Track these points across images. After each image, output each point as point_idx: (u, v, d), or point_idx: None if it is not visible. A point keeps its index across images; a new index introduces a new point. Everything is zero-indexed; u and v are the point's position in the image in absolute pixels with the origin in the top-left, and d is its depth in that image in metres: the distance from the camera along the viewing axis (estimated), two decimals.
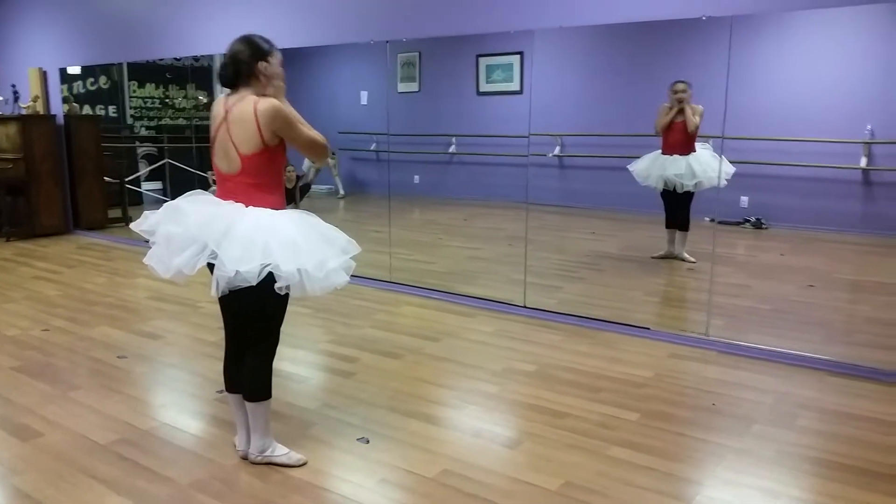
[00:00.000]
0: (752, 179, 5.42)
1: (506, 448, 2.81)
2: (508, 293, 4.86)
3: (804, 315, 4.52)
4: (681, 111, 5.12)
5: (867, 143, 5.05)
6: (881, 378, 3.48)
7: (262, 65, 2.50)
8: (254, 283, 2.35)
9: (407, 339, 4.15)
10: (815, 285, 5.04)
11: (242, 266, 2.32)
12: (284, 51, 2.68)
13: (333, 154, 7.79)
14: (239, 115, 2.44)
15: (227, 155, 2.48)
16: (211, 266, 2.42)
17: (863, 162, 5.09)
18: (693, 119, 5.03)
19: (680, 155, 5.15)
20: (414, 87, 7.25)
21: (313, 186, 8.23)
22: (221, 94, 2.59)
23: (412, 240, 6.87)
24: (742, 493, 2.47)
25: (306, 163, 7.88)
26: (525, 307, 4.68)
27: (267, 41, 2.55)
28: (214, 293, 2.43)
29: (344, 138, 7.30)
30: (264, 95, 2.47)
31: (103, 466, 2.67)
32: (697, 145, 5.15)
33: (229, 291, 2.41)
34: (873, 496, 2.44)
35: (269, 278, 2.38)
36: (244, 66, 2.48)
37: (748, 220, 5.74)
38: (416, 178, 7.61)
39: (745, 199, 5.72)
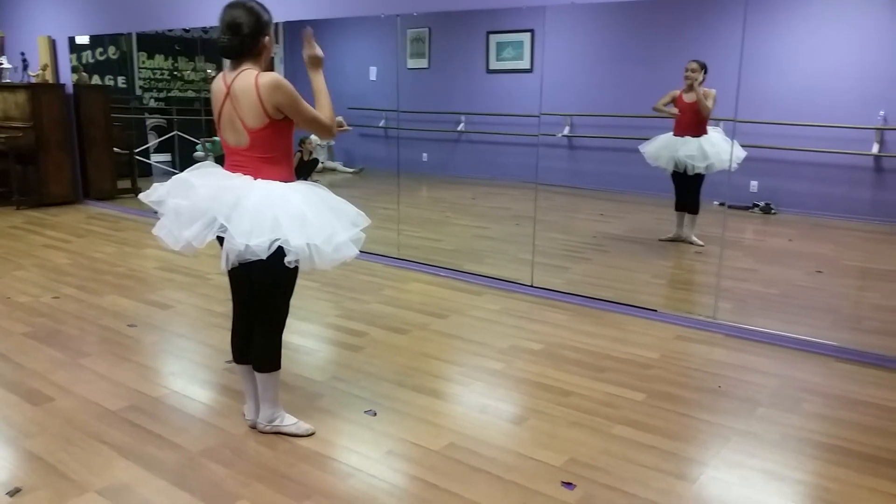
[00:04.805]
0: (762, 164, 5.41)
1: (511, 424, 2.84)
2: (515, 272, 4.86)
3: (812, 300, 4.52)
4: (691, 90, 5.10)
5: (880, 129, 5.03)
6: (888, 365, 3.48)
7: (266, 39, 2.48)
8: (263, 257, 2.36)
9: (414, 315, 4.17)
10: (823, 271, 5.04)
11: (252, 240, 2.33)
12: (294, 23, 2.65)
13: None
14: (242, 89, 2.40)
15: (234, 128, 2.47)
16: (220, 239, 2.43)
17: (875, 148, 5.07)
18: (706, 104, 5.00)
19: (692, 136, 5.13)
20: (423, 63, 7.21)
21: (333, 163, 8.24)
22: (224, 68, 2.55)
23: (420, 217, 6.88)
24: (746, 475, 2.49)
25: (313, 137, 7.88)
26: (532, 286, 4.69)
27: (265, 8, 2.48)
28: (224, 267, 2.44)
29: (353, 114, 7.28)
30: (266, 70, 2.45)
31: (113, 432, 2.70)
32: (709, 128, 5.13)
33: (239, 264, 2.42)
34: (877, 481, 2.46)
35: (279, 252, 2.38)
36: (250, 40, 2.42)
37: (757, 205, 5.74)
38: (425, 156, 7.60)
39: (754, 184, 5.70)
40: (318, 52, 2.60)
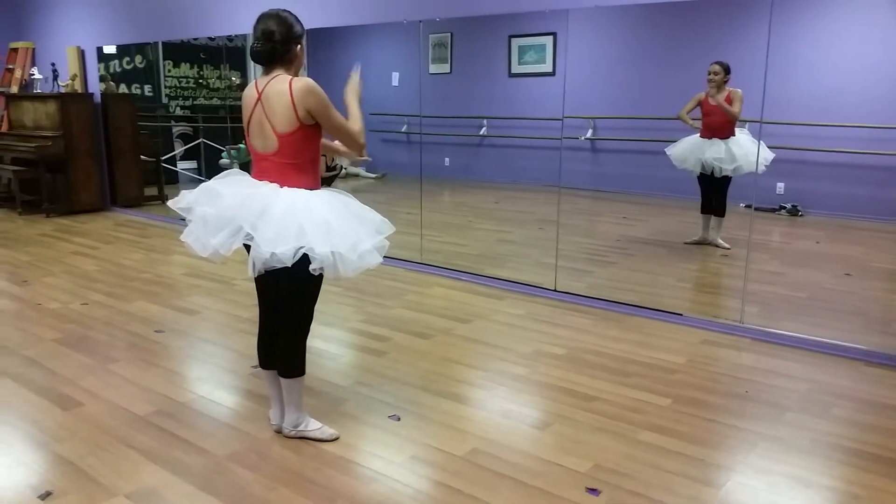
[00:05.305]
0: (788, 165, 5.32)
1: (535, 429, 2.83)
2: (538, 276, 4.85)
3: (840, 304, 4.45)
4: (717, 92, 5.05)
5: None
6: None
7: (298, 48, 2.54)
8: (289, 265, 2.39)
9: (437, 320, 4.17)
10: (851, 274, 4.95)
11: (277, 248, 2.36)
12: (318, 30, 2.68)
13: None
14: (274, 93, 2.45)
15: (262, 133, 2.50)
16: (247, 246, 2.46)
17: None
18: (732, 110, 4.95)
19: (719, 139, 5.08)
20: (445, 68, 7.22)
21: (356, 169, 8.25)
22: (255, 77, 2.61)
23: (443, 222, 6.88)
24: (774, 481, 2.45)
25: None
26: (555, 290, 4.67)
27: (298, 20, 2.57)
28: (251, 273, 2.47)
29: (375, 119, 7.30)
30: (297, 76, 2.52)
31: (141, 437, 2.74)
32: (736, 129, 5.08)
33: (265, 271, 2.45)
34: None
35: (304, 260, 2.40)
36: (281, 47, 2.49)
37: (784, 207, 5.65)
38: (447, 161, 7.60)
39: (781, 186, 5.61)
40: (360, 87, 2.72)
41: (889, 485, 2.43)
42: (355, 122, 2.61)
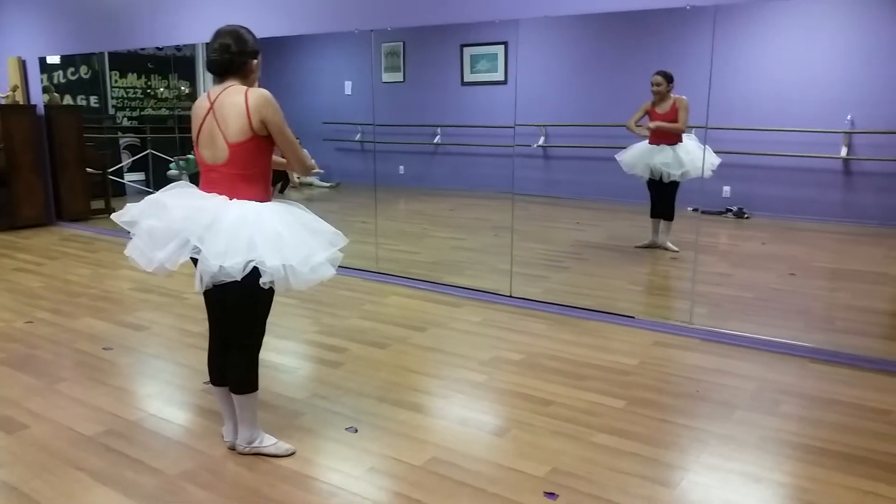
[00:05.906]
0: (733, 169, 5.48)
1: (493, 436, 2.84)
2: (494, 283, 4.88)
3: (785, 303, 4.58)
4: (662, 101, 5.18)
5: (848, 132, 5.12)
6: (861, 364, 3.54)
7: (254, 63, 2.54)
8: (238, 279, 2.34)
9: (394, 329, 4.16)
10: (795, 273, 5.11)
11: (226, 261, 2.31)
12: (268, 40, 2.66)
13: None
14: (229, 102, 2.42)
15: (213, 143, 2.46)
16: (195, 259, 2.41)
17: (843, 152, 5.16)
18: (676, 127, 5.09)
19: (667, 145, 5.21)
20: (398, 77, 7.23)
21: (310, 178, 8.20)
22: (205, 88, 2.58)
23: (398, 230, 6.88)
24: (725, 478, 2.51)
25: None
26: (511, 297, 4.71)
27: (255, 38, 2.57)
28: (198, 288, 2.42)
29: (328, 128, 7.27)
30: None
31: (90, 458, 2.66)
32: (683, 135, 5.21)
33: (213, 285, 2.40)
34: (853, 479, 2.50)
35: (254, 273, 2.36)
36: (238, 59, 2.48)
37: (730, 210, 5.81)
38: (402, 169, 7.61)
39: (727, 189, 5.78)
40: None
41: (836, 477, 2.51)
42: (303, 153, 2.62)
